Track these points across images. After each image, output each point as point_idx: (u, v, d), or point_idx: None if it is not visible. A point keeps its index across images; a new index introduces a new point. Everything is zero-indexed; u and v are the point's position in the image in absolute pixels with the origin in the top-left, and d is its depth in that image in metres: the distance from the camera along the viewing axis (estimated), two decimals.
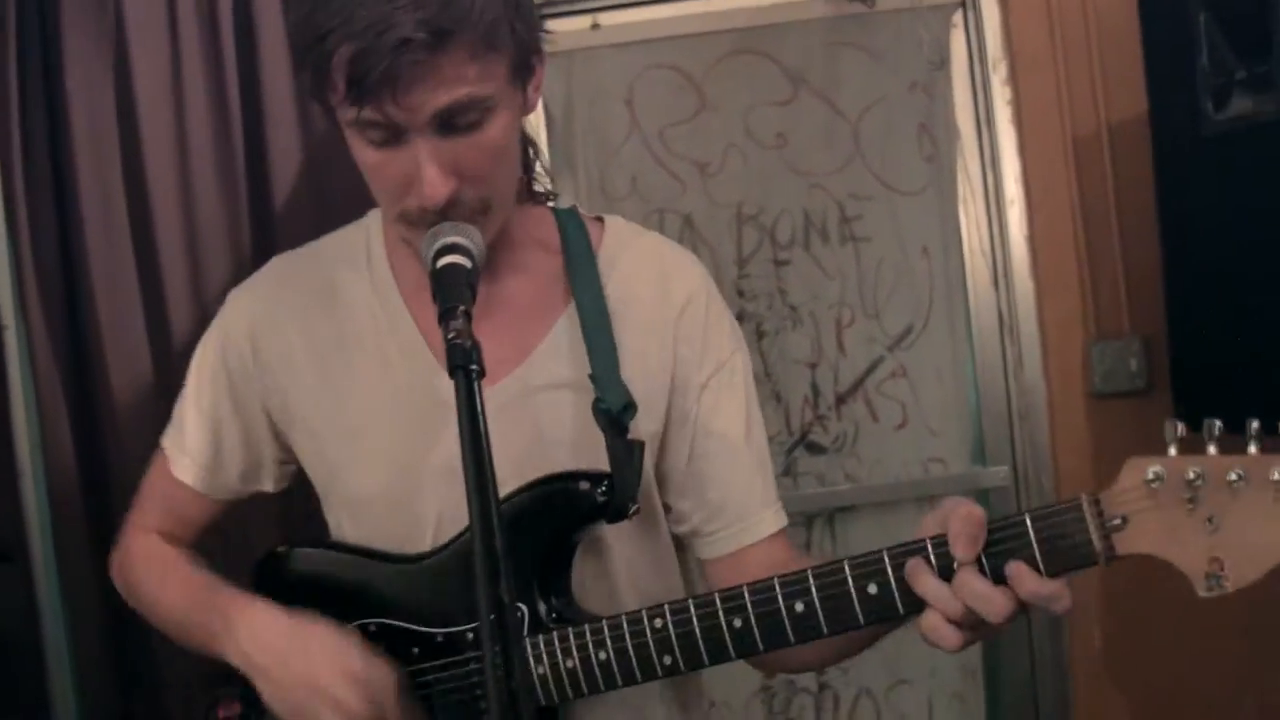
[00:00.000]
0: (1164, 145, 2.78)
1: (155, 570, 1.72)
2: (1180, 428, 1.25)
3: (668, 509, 1.63)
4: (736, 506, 1.59)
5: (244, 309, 1.67)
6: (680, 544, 1.67)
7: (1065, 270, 3.09)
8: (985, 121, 3.12)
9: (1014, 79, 3.08)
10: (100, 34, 3.01)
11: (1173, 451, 1.24)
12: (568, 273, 1.59)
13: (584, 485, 1.49)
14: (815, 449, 3.17)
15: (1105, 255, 3.07)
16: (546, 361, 1.56)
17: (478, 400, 1.19)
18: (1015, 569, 1.26)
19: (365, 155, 1.41)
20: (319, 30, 1.32)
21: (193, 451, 1.70)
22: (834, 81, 3.10)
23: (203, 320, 2.87)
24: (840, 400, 3.17)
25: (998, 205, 3.12)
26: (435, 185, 1.37)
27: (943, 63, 3.09)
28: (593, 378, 1.52)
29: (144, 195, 3.00)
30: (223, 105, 3.00)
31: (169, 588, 1.68)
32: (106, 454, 3.02)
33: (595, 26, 3.09)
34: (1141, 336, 3.05)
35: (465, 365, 1.20)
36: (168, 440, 1.74)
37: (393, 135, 1.37)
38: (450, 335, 1.23)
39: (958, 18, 3.11)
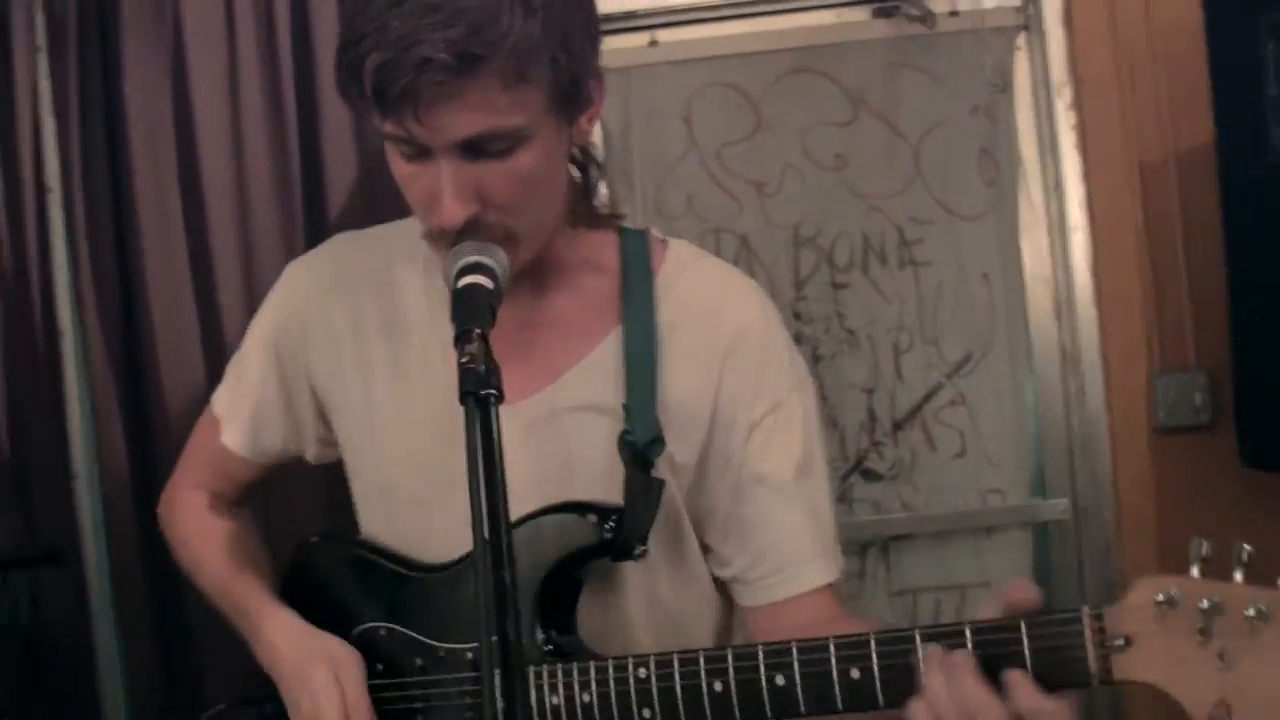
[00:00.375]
0: (1231, 173, 2.78)
1: (196, 540, 1.79)
2: (1205, 546, 1.15)
3: (708, 550, 1.60)
4: (780, 555, 1.54)
5: (299, 283, 1.71)
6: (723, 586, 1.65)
7: (1129, 300, 3.09)
8: (1049, 146, 3.13)
9: (1078, 103, 3.09)
10: (158, 38, 3.12)
11: (1194, 572, 1.14)
12: (622, 295, 1.57)
13: (591, 518, 1.48)
14: (871, 476, 3.18)
15: (1170, 285, 3.07)
16: (580, 383, 1.55)
17: (494, 426, 1.20)
18: (1012, 678, 1.19)
19: (397, 166, 1.44)
20: (355, 35, 1.35)
21: (238, 414, 1.76)
22: (894, 103, 3.13)
23: None
24: (897, 427, 3.18)
25: (1060, 232, 3.13)
26: (452, 210, 1.37)
27: (1005, 86, 3.11)
28: (625, 407, 1.50)
29: (199, 201, 3.10)
30: (279, 112, 3.09)
31: (206, 564, 1.76)
32: (159, 458, 3.11)
33: (653, 44, 3.14)
34: (1207, 370, 3.04)
35: (475, 391, 1.21)
36: (217, 399, 1.81)
37: (420, 151, 1.38)
38: (463, 360, 1.23)
39: (1021, 40, 3.13)
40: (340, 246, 1.73)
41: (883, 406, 3.18)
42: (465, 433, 1.18)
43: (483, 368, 1.22)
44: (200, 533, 1.79)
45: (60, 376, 3.25)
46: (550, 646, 1.48)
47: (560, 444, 1.54)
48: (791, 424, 1.56)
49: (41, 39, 3.23)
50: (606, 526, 1.47)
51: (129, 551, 3.16)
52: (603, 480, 1.50)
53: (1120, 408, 3.12)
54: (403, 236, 1.66)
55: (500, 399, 1.22)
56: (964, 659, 1.21)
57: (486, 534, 1.16)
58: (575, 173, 1.60)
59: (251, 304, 3.05)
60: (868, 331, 3.17)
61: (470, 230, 1.38)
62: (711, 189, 3.17)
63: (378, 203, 3.00)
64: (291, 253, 3.07)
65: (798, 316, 3.16)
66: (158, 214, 3.13)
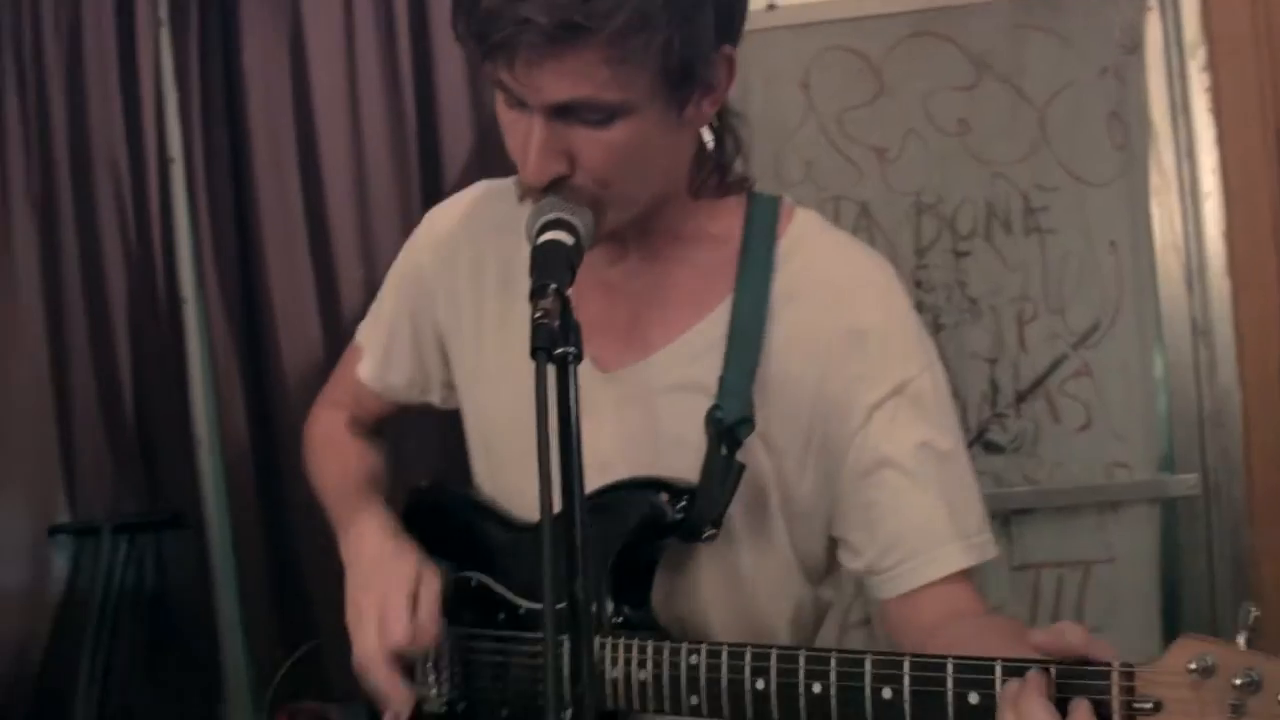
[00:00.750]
0: None
1: (321, 449, 1.85)
2: (1252, 614, 1.09)
3: (839, 542, 1.54)
4: (911, 542, 1.46)
5: (435, 228, 1.73)
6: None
7: (1264, 268, 3.05)
8: (1180, 109, 3.10)
9: (1212, 65, 3.04)
10: (276, 10, 3.23)
11: (1241, 642, 1.08)
12: (739, 265, 1.52)
13: (663, 496, 1.46)
14: (993, 448, 3.18)
15: None
16: (680, 357, 1.52)
17: (571, 385, 1.20)
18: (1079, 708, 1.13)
19: (501, 110, 1.42)
20: None
21: (371, 349, 1.80)
22: (1019, 66, 3.11)
23: (372, 295, 3.05)
24: (1020, 398, 3.17)
25: (1193, 198, 3.10)
26: (537, 167, 1.36)
27: (1136, 48, 3.07)
28: (721, 380, 1.48)
29: (317, 171, 3.19)
30: (395, 81, 3.18)
31: (327, 470, 1.81)
32: (278, 424, 3.23)
33: (771, 7, 3.15)
34: None
35: (546, 348, 1.19)
36: (359, 330, 1.86)
37: (518, 99, 1.36)
38: (536, 315, 1.21)
39: (1153, 0, 3.08)
40: (479, 194, 1.74)
41: (1005, 377, 3.17)
42: (534, 390, 1.16)
43: (556, 324, 1.20)
44: (327, 443, 1.85)
45: (183, 345, 3.39)
46: (620, 619, 1.47)
47: (652, 417, 1.52)
48: (918, 404, 1.47)
49: (163, 13, 3.35)
50: (677, 507, 1.45)
51: (250, 515, 3.28)
52: (692, 457, 1.47)
53: (1253, 380, 3.08)
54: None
55: (578, 358, 1.21)
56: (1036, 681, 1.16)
57: (556, 495, 1.16)
58: (708, 140, 1.55)
59: (368, 270, 3.14)
60: (990, 301, 3.16)
61: (556, 188, 1.37)
62: (831, 155, 3.17)
63: (493, 171, 3.05)
64: (408, 221, 3.13)
65: (919, 285, 3.15)
66: (276, 183, 3.23)
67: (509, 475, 1.63)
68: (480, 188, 1.75)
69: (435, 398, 1.79)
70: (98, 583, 3.35)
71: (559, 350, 1.20)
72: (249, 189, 3.25)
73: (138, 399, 3.42)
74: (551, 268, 1.27)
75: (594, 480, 1.39)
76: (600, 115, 1.34)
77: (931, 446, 1.47)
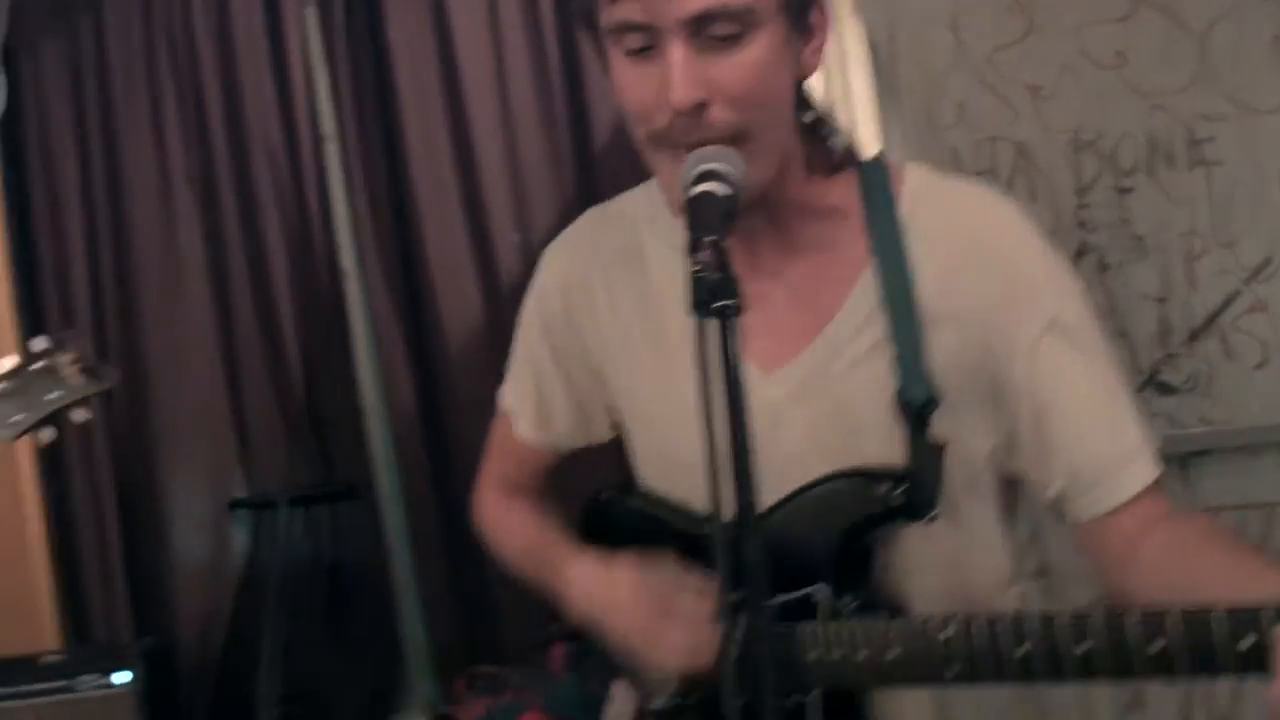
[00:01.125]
0: None
1: (504, 529, 1.88)
2: None
3: (1025, 479, 1.58)
4: (1095, 468, 1.50)
5: (558, 267, 1.76)
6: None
7: None
8: None
9: None
10: None
11: None
12: (870, 235, 1.55)
13: (882, 487, 1.49)
14: (1165, 389, 3.14)
15: None
16: (842, 338, 1.55)
17: (733, 339, 1.20)
18: None
19: (621, 71, 1.44)
20: None
21: (522, 407, 1.82)
22: None
23: (528, 262, 3.13)
24: (1192, 337, 3.13)
25: None
26: (682, 89, 1.37)
27: None
28: (898, 359, 1.51)
29: (468, 141, 3.29)
30: (540, 46, 3.25)
31: (515, 544, 1.85)
32: (443, 392, 3.34)
33: None
34: None
35: (708, 301, 1.19)
36: (502, 395, 1.88)
37: (645, 44, 1.39)
38: (694, 268, 1.21)
39: None
40: (590, 224, 1.77)
41: (1176, 316, 3.13)
42: (694, 346, 1.17)
43: (716, 276, 1.20)
44: (503, 520, 1.88)
45: (346, 318, 3.51)
46: (855, 604, 1.50)
47: (832, 403, 1.54)
48: (1074, 331, 1.52)
49: None
50: (895, 493, 1.48)
51: (420, 483, 3.40)
52: (882, 437, 1.51)
53: None
54: (646, 202, 1.68)
55: (739, 310, 1.20)
56: None
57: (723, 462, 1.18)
58: (806, 118, 1.56)
59: (523, 238, 3.22)
60: (1157, 238, 3.12)
61: (699, 129, 1.39)
62: (984, 96, 3.15)
63: None
64: (560, 183, 3.22)
65: (1081, 225, 3.12)
66: (428, 154, 3.33)
67: (687, 481, 1.61)
68: (588, 219, 1.77)
69: (600, 435, 1.80)
70: (276, 555, 3.49)
71: (718, 304, 1.20)
72: (401, 161, 3.35)
73: (306, 373, 3.55)
74: (707, 220, 1.28)
75: (793, 478, 1.48)
76: (734, 26, 1.37)
77: (1093, 373, 1.52)
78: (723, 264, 1.22)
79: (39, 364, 1.89)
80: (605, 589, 1.60)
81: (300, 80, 3.50)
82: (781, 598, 1.47)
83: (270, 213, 3.56)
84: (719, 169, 1.34)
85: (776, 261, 1.57)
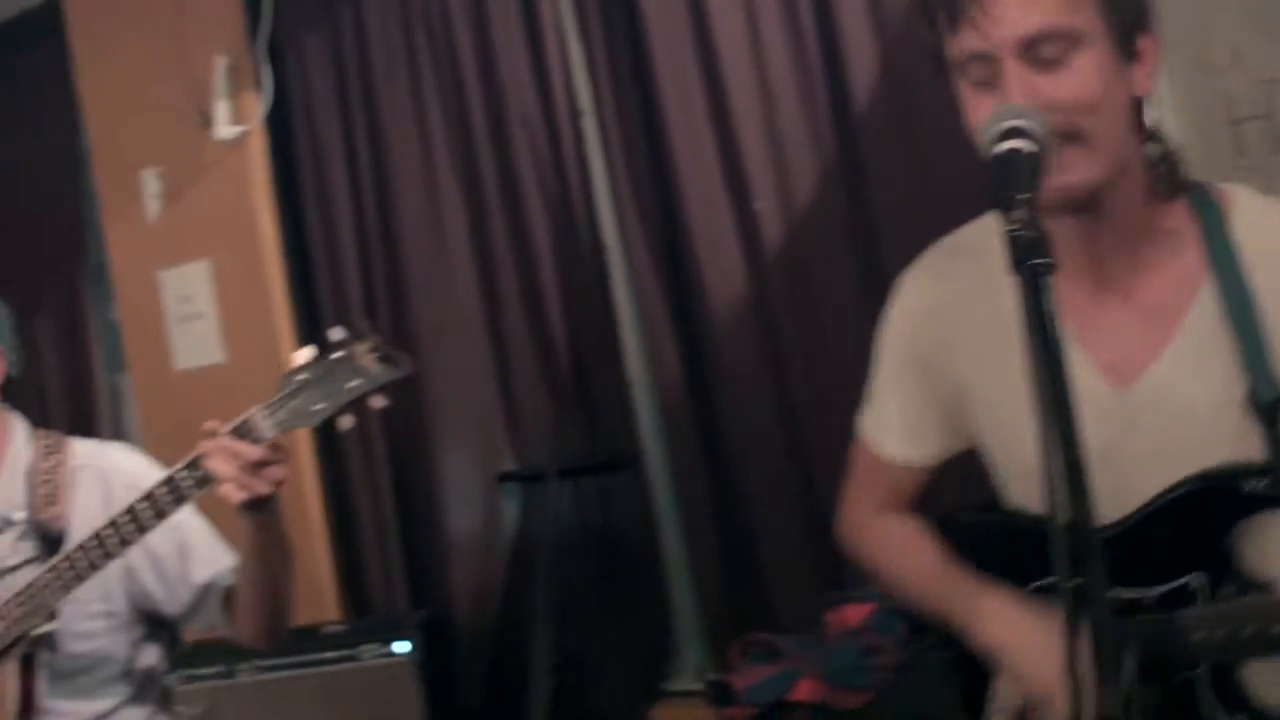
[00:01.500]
0: None
1: (895, 555, 1.95)
2: None
3: None
4: None
5: (921, 292, 1.86)
6: None
7: None
8: None
9: None
10: None
11: None
12: (1208, 253, 1.64)
13: (1249, 482, 1.58)
14: None
15: None
16: (1188, 350, 1.64)
17: (1046, 297, 1.26)
18: None
19: (969, 101, 1.57)
20: None
21: (889, 432, 1.91)
22: None
23: (792, 231, 3.17)
24: None
25: None
26: (1015, 93, 1.49)
27: None
28: (1247, 364, 1.59)
29: (726, 111, 3.34)
30: (795, 13, 3.26)
31: (904, 564, 1.93)
32: (709, 363, 3.40)
33: None
34: None
35: (1028, 259, 1.25)
36: (866, 421, 1.97)
37: (988, 75, 1.53)
38: (1010, 228, 1.27)
39: None
40: (944, 253, 1.86)
41: None
42: (1022, 310, 1.25)
43: (1033, 234, 1.26)
44: (891, 544, 1.96)
45: (609, 291, 3.61)
46: (1234, 589, 1.60)
47: (1182, 409, 1.63)
48: None
49: None
50: (1261, 486, 1.57)
51: (689, 455, 3.47)
52: (1234, 435, 1.60)
53: None
54: (992, 232, 1.71)
55: (1052, 269, 1.26)
56: None
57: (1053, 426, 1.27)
58: (1153, 151, 1.67)
59: (785, 209, 3.25)
60: None
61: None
62: (1258, 37, 3.06)
63: (903, 95, 3.11)
64: (821, 154, 3.23)
65: None
66: (688, 127, 3.38)
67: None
68: (942, 248, 1.86)
69: (959, 447, 1.89)
70: (546, 526, 3.59)
71: (1032, 261, 1.26)
72: (660, 133, 3.41)
73: (571, 348, 3.65)
74: (1012, 178, 1.35)
75: (1144, 480, 1.62)
76: (1059, 49, 1.51)
77: None
78: (1034, 220, 1.28)
79: (338, 354, 2.01)
80: (1020, 630, 1.71)
81: (556, 58, 3.60)
82: (1160, 589, 1.61)
83: (532, 192, 3.67)
84: (1024, 125, 1.42)
85: (1126, 279, 1.67)
